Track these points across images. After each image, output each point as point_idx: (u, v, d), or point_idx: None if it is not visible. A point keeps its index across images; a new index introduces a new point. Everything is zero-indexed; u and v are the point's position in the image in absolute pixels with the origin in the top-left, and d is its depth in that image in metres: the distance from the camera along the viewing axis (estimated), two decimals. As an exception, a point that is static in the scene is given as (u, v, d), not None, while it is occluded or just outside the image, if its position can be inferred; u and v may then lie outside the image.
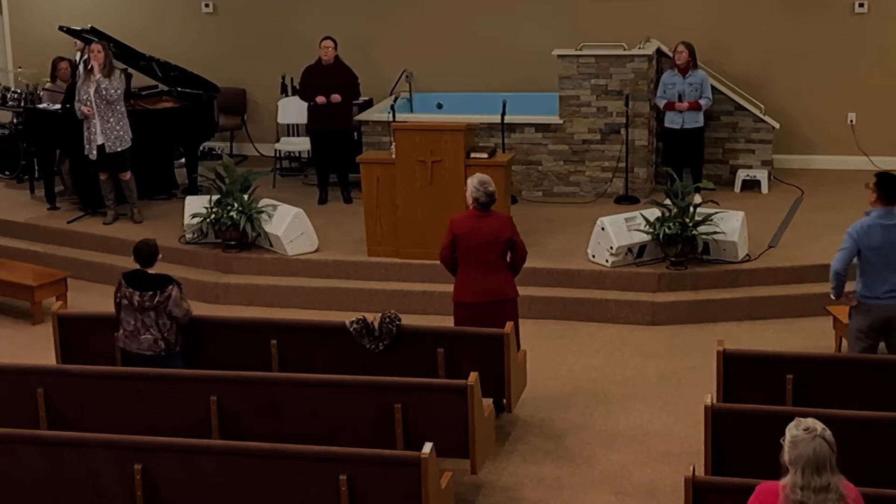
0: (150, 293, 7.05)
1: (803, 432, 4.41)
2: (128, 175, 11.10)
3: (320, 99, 11.51)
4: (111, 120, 10.84)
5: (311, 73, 11.69)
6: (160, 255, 7.26)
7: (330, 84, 11.52)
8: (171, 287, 7.08)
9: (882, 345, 7.27)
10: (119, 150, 10.92)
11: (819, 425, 4.45)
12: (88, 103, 10.76)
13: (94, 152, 10.86)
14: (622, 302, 9.37)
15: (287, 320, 7.83)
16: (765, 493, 4.52)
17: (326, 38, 11.64)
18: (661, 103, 11.43)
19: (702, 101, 11.33)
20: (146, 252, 7.17)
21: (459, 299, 7.56)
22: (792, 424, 4.47)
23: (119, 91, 10.88)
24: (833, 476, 4.40)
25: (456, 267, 7.59)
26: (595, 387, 8.19)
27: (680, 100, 11.31)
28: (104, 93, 10.73)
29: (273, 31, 13.65)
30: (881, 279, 7.06)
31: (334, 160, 11.72)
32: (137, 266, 7.18)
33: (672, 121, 11.43)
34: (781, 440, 4.49)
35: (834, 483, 4.40)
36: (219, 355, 7.27)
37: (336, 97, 11.50)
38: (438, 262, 7.76)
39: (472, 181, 7.49)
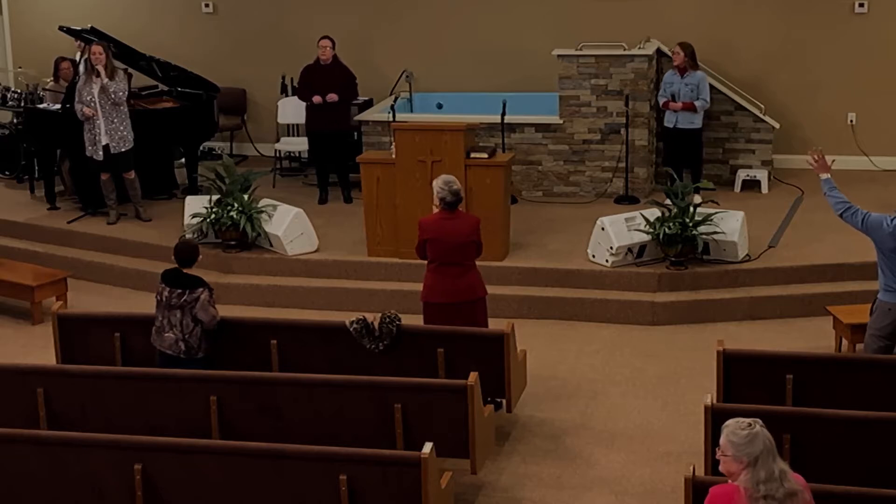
0: (179, 291, 7.05)
1: (748, 428, 4.43)
2: (132, 174, 11.13)
3: (316, 99, 11.50)
4: (115, 121, 10.84)
5: (309, 72, 11.68)
6: (200, 257, 7.28)
7: (328, 84, 11.51)
8: (200, 290, 7.07)
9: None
10: (123, 150, 10.93)
11: (751, 419, 4.48)
12: (92, 104, 10.75)
13: (101, 153, 10.86)
14: (622, 302, 9.36)
15: (287, 320, 7.83)
16: (721, 498, 4.48)
17: (324, 37, 11.64)
18: (661, 101, 11.44)
19: (697, 103, 11.23)
20: (184, 252, 7.19)
21: (429, 299, 7.55)
22: (729, 430, 4.46)
23: (125, 92, 10.91)
24: (782, 461, 4.45)
25: None
26: (595, 387, 8.19)
27: (674, 99, 11.30)
28: (112, 95, 10.74)
29: (273, 31, 13.65)
30: None
31: (333, 160, 11.72)
32: (175, 265, 7.21)
33: (668, 119, 11.44)
34: (718, 452, 4.49)
35: (785, 467, 4.44)
36: (219, 355, 7.26)
37: (332, 97, 11.49)
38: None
39: (437, 182, 7.48)
